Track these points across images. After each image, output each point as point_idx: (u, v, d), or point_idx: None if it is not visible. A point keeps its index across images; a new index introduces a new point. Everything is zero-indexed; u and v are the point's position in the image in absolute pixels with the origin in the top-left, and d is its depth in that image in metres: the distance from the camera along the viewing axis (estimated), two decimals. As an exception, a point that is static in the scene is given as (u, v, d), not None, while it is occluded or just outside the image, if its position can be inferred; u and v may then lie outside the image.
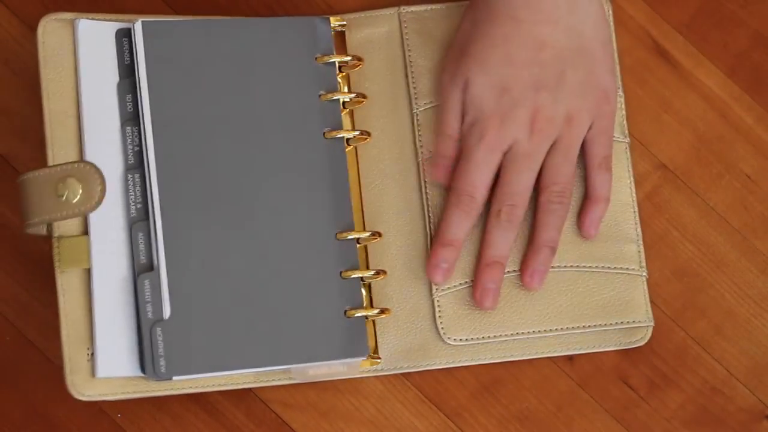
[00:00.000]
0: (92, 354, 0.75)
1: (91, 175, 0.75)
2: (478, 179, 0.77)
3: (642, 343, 0.79)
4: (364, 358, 0.77)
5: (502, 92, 0.76)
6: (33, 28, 0.82)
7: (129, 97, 0.77)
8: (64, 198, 0.74)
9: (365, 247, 0.79)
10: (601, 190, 0.78)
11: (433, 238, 0.78)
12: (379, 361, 0.78)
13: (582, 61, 0.77)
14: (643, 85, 0.82)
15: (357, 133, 0.79)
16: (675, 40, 0.83)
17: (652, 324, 0.79)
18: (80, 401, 0.77)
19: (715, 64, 0.83)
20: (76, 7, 0.82)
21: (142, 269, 0.75)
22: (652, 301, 0.80)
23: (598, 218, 0.79)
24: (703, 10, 0.83)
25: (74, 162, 0.75)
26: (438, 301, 0.78)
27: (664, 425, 0.80)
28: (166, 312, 0.74)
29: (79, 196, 0.74)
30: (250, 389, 0.79)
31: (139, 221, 0.75)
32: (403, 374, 0.79)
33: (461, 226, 0.77)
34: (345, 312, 0.77)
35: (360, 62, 0.80)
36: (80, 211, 0.75)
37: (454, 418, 0.80)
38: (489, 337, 0.78)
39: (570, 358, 0.80)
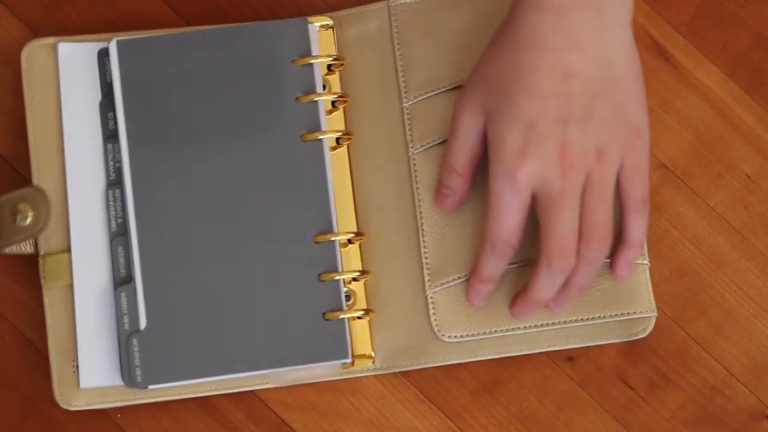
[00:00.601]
0: (77, 366, 0.77)
1: (38, 199, 0.78)
2: (512, 224, 0.73)
3: (645, 335, 0.78)
4: (347, 361, 0.77)
5: (528, 127, 0.71)
6: (33, 28, 0.82)
7: (111, 114, 0.78)
8: (17, 223, 0.78)
9: (359, 247, 0.79)
10: (637, 235, 0.75)
11: (471, 272, 0.76)
12: (371, 359, 0.78)
13: (612, 93, 0.72)
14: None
15: (338, 133, 0.79)
16: (675, 40, 0.83)
17: (655, 314, 0.78)
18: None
19: (715, 64, 0.83)
20: (76, 8, 0.82)
21: (121, 282, 0.77)
22: (651, 301, 0.80)
23: (631, 261, 0.76)
24: (703, 10, 0.83)
25: (25, 188, 0.78)
26: (431, 297, 0.78)
27: (664, 425, 0.80)
28: (142, 323, 0.76)
29: (29, 220, 0.78)
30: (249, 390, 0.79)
31: (119, 236, 0.77)
32: (403, 374, 0.79)
33: (499, 267, 0.75)
34: (324, 315, 0.77)
35: (341, 61, 0.80)
36: (32, 233, 0.78)
37: (454, 418, 0.80)
38: (485, 332, 0.77)
39: (570, 358, 0.80)
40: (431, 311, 0.77)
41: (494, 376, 0.80)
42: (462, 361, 0.78)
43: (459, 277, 0.77)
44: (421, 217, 0.78)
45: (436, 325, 0.77)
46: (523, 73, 0.72)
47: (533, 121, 0.71)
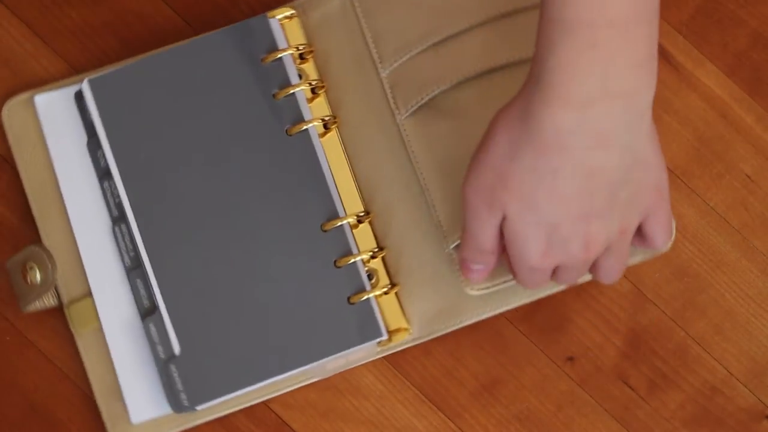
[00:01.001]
0: (124, 403, 0.77)
1: (41, 255, 0.78)
2: (537, 281, 0.72)
3: (666, 249, 0.77)
4: (383, 338, 0.77)
5: (551, 230, 0.69)
6: (33, 28, 0.82)
7: (100, 153, 0.78)
8: (30, 282, 0.78)
9: (371, 224, 0.79)
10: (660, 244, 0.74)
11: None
12: (407, 331, 0.78)
13: (634, 176, 0.68)
14: (643, 85, 0.82)
15: (320, 120, 0.79)
16: (675, 40, 0.83)
17: (673, 222, 0.77)
18: (80, 400, 0.78)
19: (715, 64, 0.83)
20: (76, 8, 0.82)
21: (146, 313, 0.77)
22: (651, 302, 0.80)
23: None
24: (702, 10, 0.83)
25: (27, 247, 0.78)
26: (452, 254, 0.77)
27: (664, 425, 0.80)
28: (176, 348, 0.76)
29: (39, 278, 0.78)
30: (250, 389, 0.79)
31: (135, 268, 0.77)
32: (403, 374, 0.79)
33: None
34: (348, 299, 0.77)
35: (311, 47, 0.80)
36: (46, 288, 0.78)
37: (454, 418, 0.80)
38: (510, 279, 0.77)
39: (570, 358, 0.80)
40: (456, 267, 0.77)
41: (494, 376, 0.80)
42: (495, 312, 0.78)
43: None
44: (423, 179, 0.78)
45: (463, 280, 0.77)
46: (545, 176, 0.67)
47: (556, 224, 0.68)
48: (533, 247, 0.69)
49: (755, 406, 0.80)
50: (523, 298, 0.78)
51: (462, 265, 0.74)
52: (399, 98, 0.79)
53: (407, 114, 0.78)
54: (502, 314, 0.80)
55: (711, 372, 0.80)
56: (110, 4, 0.82)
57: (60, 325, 0.79)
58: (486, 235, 0.71)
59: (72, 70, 0.82)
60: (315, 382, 0.79)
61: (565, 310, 0.80)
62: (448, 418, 0.80)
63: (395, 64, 0.79)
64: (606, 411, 0.80)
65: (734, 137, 0.82)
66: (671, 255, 0.81)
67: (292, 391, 0.79)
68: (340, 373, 0.79)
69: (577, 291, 0.80)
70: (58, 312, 0.79)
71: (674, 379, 0.80)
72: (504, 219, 0.69)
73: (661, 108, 0.82)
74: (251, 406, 0.79)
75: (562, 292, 0.80)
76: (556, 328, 0.80)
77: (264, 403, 0.79)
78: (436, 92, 0.78)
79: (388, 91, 0.79)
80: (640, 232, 0.73)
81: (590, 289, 0.81)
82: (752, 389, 0.80)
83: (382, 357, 0.79)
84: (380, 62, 0.79)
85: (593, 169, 0.67)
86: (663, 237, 0.72)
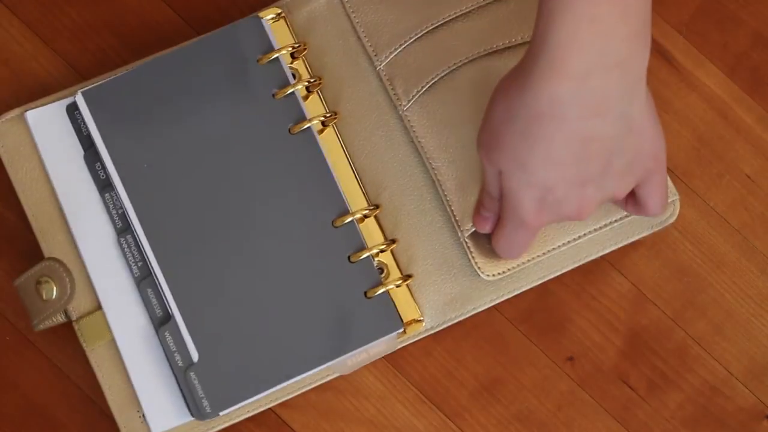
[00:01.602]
0: (143, 414, 0.77)
1: (56, 269, 0.77)
2: (520, 241, 0.74)
3: (674, 219, 0.78)
4: (400, 331, 0.77)
5: (545, 191, 0.70)
6: (33, 28, 0.82)
7: (98, 165, 0.78)
8: (44, 298, 0.77)
9: (376, 219, 0.79)
10: (657, 209, 0.75)
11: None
12: (421, 322, 0.78)
13: (629, 144, 0.69)
14: (643, 85, 0.82)
15: (321, 117, 0.78)
16: (675, 40, 0.83)
17: (677, 197, 0.78)
18: (80, 401, 0.78)
19: (715, 64, 0.83)
20: (75, 8, 0.82)
21: (161, 322, 0.77)
22: (651, 302, 0.80)
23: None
24: (703, 10, 0.83)
25: (41, 262, 0.78)
26: (467, 242, 0.77)
27: (664, 425, 0.80)
28: (194, 356, 0.76)
29: (55, 293, 0.77)
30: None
31: (144, 278, 0.77)
32: (403, 374, 0.79)
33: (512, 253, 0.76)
34: (365, 293, 0.77)
35: (303, 45, 0.80)
36: (61, 305, 0.77)
37: (454, 418, 0.80)
38: (524, 262, 0.77)
39: (570, 358, 0.80)
40: (470, 255, 0.77)
41: (494, 376, 0.80)
42: (508, 296, 0.78)
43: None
44: (433, 167, 0.78)
45: (478, 266, 0.77)
46: (539, 142, 0.68)
47: (550, 187, 0.70)
48: (527, 205, 0.71)
49: (755, 406, 0.80)
50: (535, 277, 0.78)
51: (474, 211, 0.76)
52: (399, 88, 0.79)
53: (409, 103, 0.78)
54: (502, 314, 0.80)
55: (711, 372, 0.80)
56: (110, 4, 0.82)
57: (60, 325, 0.79)
58: (492, 185, 0.73)
59: (72, 70, 0.82)
60: (315, 383, 0.79)
61: (565, 310, 0.80)
62: (448, 418, 0.80)
63: (391, 56, 0.79)
64: (606, 411, 0.80)
65: (734, 137, 0.82)
66: (671, 255, 0.81)
67: (292, 392, 0.79)
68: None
69: (577, 291, 0.80)
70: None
71: (674, 379, 0.80)
72: (501, 176, 0.71)
73: (661, 108, 0.82)
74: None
75: (563, 292, 0.80)
76: (556, 328, 0.80)
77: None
78: (436, 78, 0.78)
79: (387, 83, 0.79)
80: (634, 198, 0.73)
81: (590, 289, 0.81)
82: (752, 389, 0.80)
83: (382, 357, 0.79)
84: (375, 55, 0.79)
85: (588, 137, 0.68)
86: (656, 202, 0.73)
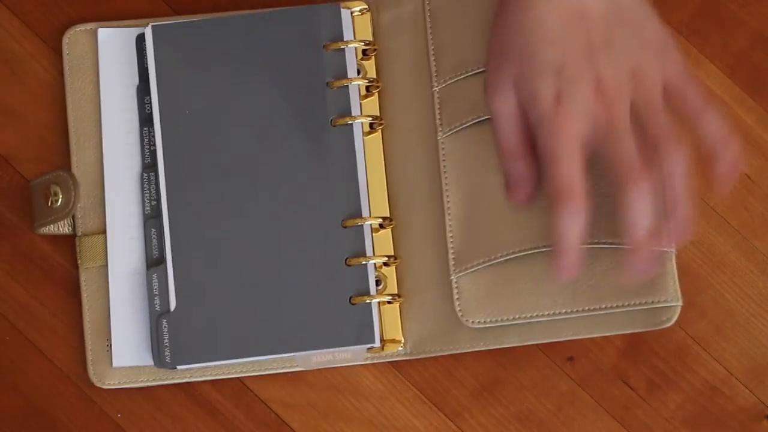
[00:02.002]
0: (110, 345, 0.78)
1: (68, 182, 0.79)
2: (573, 172, 0.70)
3: (670, 324, 0.77)
4: (374, 345, 0.77)
5: (556, 73, 0.70)
6: (32, 28, 0.82)
7: (147, 98, 0.79)
8: (50, 204, 0.79)
9: (391, 232, 0.79)
10: (720, 131, 0.71)
11: (553, 249, 0.72)
12: (399, 343, 0.78)
13: (628, 17, 0.71)
14: (643, 85, 0.82)
15: (369, 118, 0.79)
16: (675, 40, 0.83)
17: (680, 303, 0.76)
18: (80, 401, 0.78)
19: (715, 64, 0.82)
20: (75, 7, 0.82)
21: (153, 263, 0.78)
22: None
23: (731, 172, 0.72)
24: (703, 10, 0.83)
25: (56, 171, 0.79)
26: (456, 282, 0.77)
27: (664, 425, 0.80)
28: (172, 304, 0.77)
29: (60, 202, 0.79)
30: (249, 388, 0.79)
31: (152, 218, 0.78)
32: (403, 374, 0.79)
33: (576, 227, 0.70)
34: (350, 299, 0.77)
35: (375, 46, 0.80)
36: (63, 215, 0.79)
37: (454, 418, 0.80)
38: (509, 319, 0.76)
39: (570, 358, 0.80)
40: (455, 296, 0.77)
41: (494, 376, 0.80)
42: (488, 348, 0.77)
43: (483, 262, 0.76)
44: (448, 201, 0.78)
45: (460, 310, 0.77)
46: (535, 28, 0.70)
47: (559, 66, 0.70)
48: (544, 95, 0.70)
49: (755, 406, 0.80)
50: (516, 339, 0.77)
51: (506, 188, 0.75)
52: (445, 115, 0.78)
53: (449, 132, 0.78)
54: (502, 314, 0.80)
55: (711, 372, 0.80)
56: (110, 3, 0.82)
57: (60, 326, 0.79)
58: (507, 121, 0.73)
59: (72, 70, 0.82)
60: (315, 381, 0.79)
61: (565, 310, 0.80)
62: (448, 418, 0.80)
63: (450, 81, 0.78)
64: (606, 411, 0.80)
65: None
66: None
67: (292, 392, 0.79)
68: (340, 373, 0.79)
69: (577, 291, 0.80)
70: (59, 312, 0.80)
71: (674, 379, 0.80)
72: (517, 92, 0.72)
73: (661, 108, 0.82)
74: (251, 405, 0.79)
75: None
76: (556, 328, 0.80)
77: (264, 402, 0.79)
78: (482, 118, 0.77)
79: (437, 106, 0.79)
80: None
81: (590, 289, 0.81)
82: (752, 389, 0.80)
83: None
84: (436, 75, 0.79)
85: (581, 12, 0.70)
86: (693, 93, 0.71)
